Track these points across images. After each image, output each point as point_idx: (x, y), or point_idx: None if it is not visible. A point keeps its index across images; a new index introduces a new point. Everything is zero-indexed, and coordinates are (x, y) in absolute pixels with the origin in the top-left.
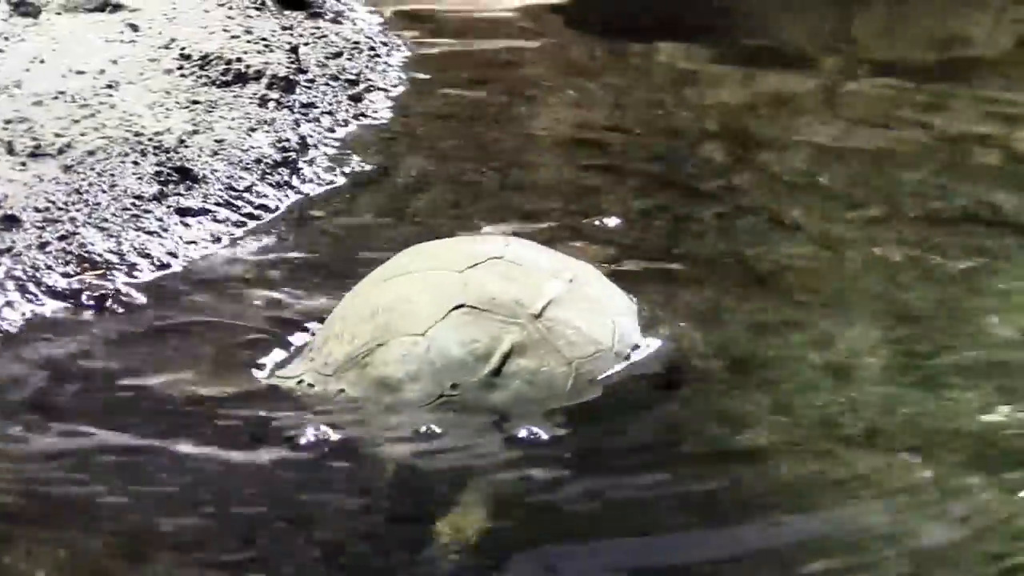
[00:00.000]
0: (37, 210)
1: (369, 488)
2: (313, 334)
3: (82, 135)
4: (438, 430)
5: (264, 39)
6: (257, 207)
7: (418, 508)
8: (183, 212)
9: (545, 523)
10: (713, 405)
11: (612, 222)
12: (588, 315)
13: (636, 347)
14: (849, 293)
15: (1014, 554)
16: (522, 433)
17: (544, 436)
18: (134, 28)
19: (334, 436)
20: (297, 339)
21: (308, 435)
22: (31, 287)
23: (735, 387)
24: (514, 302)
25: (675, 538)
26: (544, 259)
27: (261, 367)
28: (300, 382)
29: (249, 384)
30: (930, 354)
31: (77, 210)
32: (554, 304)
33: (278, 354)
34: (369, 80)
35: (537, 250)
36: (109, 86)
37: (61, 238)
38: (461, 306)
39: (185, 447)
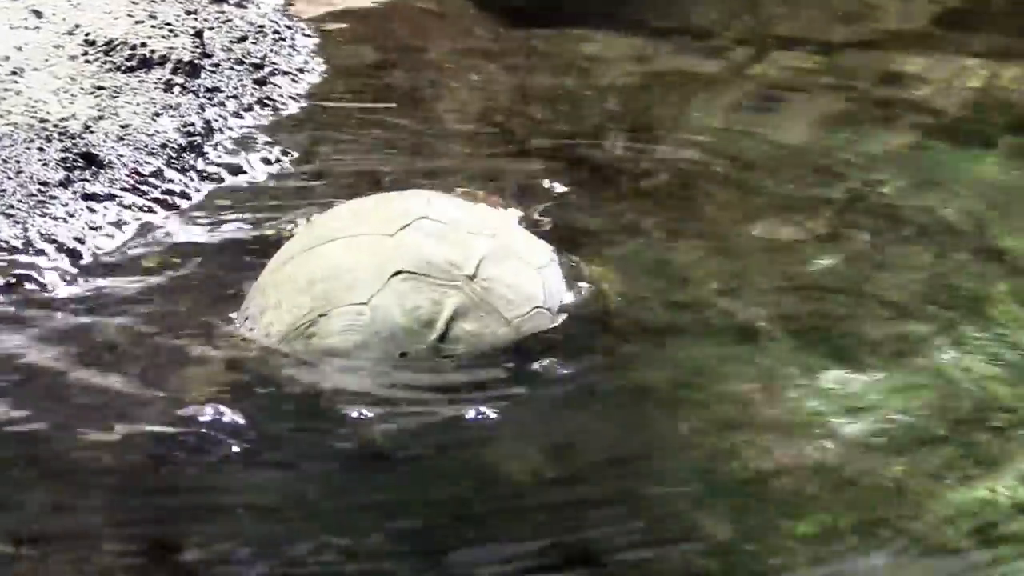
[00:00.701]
0: None
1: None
2: (241, 305)
3: None
4: (388, 394)
5: (168, 24)
6: (163, 192)
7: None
8: (89, 197)
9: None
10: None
11: (522, 200)
12: (518, 270)
13: (563, 298)
14: (752, 264)
15: None
16: (469, 394)
17: (490, 394)
18: (38, 15)
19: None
20: (211, 318)
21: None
22: None
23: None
24: (448, 263)
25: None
26: (466, 214)
27: (183, 344)
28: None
29: (167, 359)
30: (831, 326)
31: None
32: (485, 262)
33: (199, 328)
34: (274, 64)
35: (457, 205)
36: (14, 72)
37: None
38: (399, 272)
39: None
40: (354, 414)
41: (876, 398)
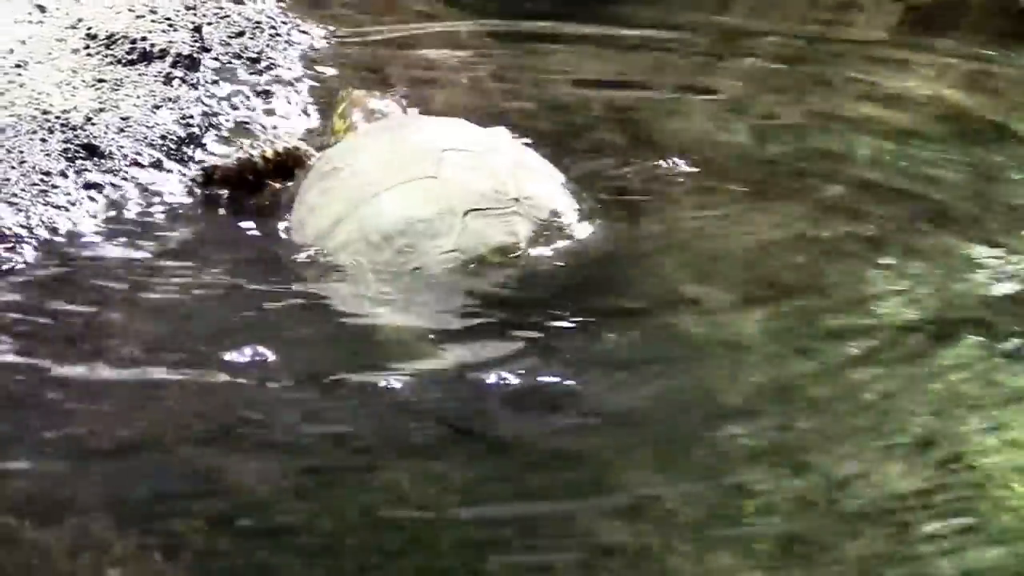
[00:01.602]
0: None
1: None
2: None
3: None
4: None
5: (168, 19)
6: (163, 182)
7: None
8: (90, 187)
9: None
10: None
11: None
12: (541, 182)
13: (572, 193)
14: (724, 263)
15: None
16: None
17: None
18: (42, 9)
19: None
20: (218, 310)
21: None
22: None
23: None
24: (494, 191)
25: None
26: (462, 134)
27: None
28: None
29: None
30: (799, 324)
31: None
32: (518, 182)
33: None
34: (271, 59)
35: (443, 125)
36: (18, 66)
37: None
38: (467, 213)
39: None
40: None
41: None
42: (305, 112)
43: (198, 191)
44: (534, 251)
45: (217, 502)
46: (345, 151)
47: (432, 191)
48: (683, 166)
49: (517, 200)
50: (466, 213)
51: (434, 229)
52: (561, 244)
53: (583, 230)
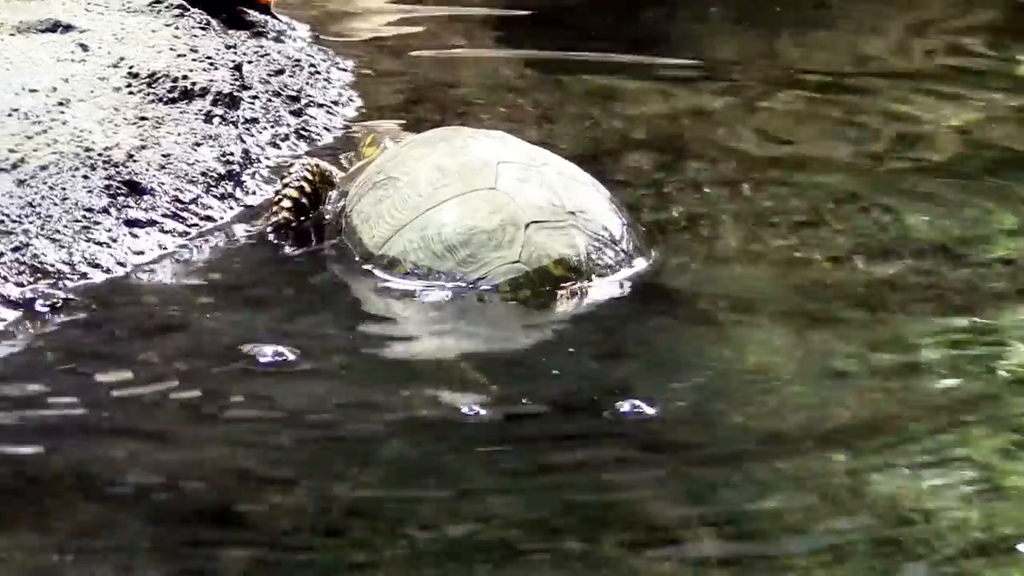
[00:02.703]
0: None
1: None
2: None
3: (35, 151)
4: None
5: (209, 57)
6: (203, 218)
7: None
8: (132, 223)
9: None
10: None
11: None
12: (590, 195)
13: (617, 208)
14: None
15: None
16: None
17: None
18: (84, 48)
19: None
20: (252, 348)
21: None
22: None
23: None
24: (551, 204)
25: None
26: (512, 148)
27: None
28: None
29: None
30: (847, 355)
31: (30, 222)
32: (569, 194)
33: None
34: (310, 96)
35: (494, 138)
36: (61, 103)
37: (15, 249)
38: (528, 224)
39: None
40: None
41: None
42: (344, 148)
43: (272, 238)
44: (593, 265)
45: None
46: (397, 161)
47: (493, 202)
48: (724, 192)
49: (573, 213)
50: (528, 225)
51: (497, 240)
52: (615, 258)
53: (633, 245)
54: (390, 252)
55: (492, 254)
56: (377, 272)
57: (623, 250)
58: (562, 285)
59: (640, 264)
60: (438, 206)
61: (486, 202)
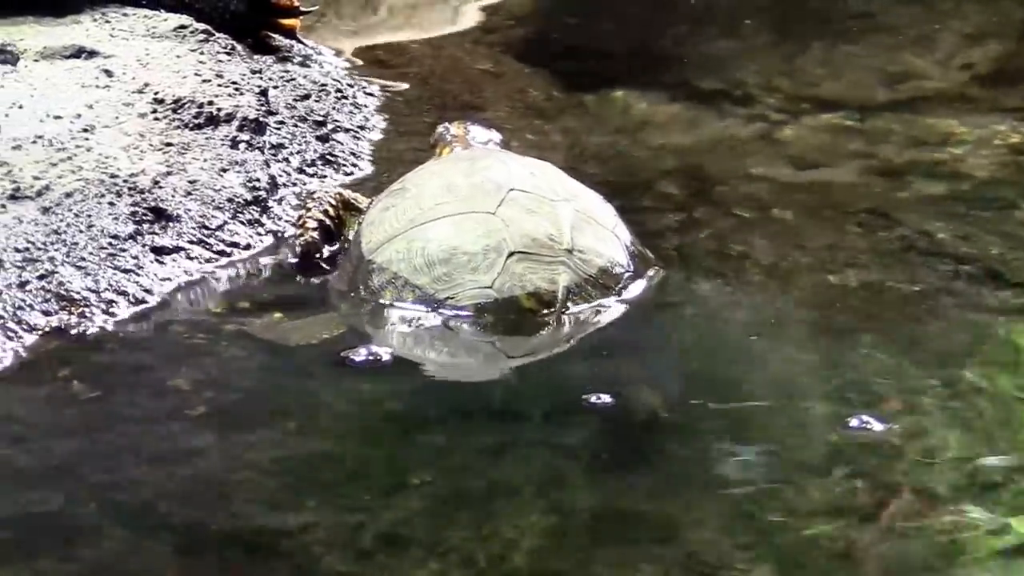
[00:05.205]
0: (17, 250)
1: None
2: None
3: (60, 178)
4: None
5: (235, 82)
6: (229, 244)
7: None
8: (158, 250)
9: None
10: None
11: None
12: (601, 236)
13: (632, 255)
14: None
15: None
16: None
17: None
18: (109, 74)
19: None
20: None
21: None
22: (12, 325)
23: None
24: (548, 238)
25: None
26: (540, 178)
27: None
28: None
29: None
30: (877, 377)
31: (56, 250)
32: (575, 233)
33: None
34: (336, 121)
35: (526, 166)
36: (85, 130)
37: (41, 277)
38: (512, 254)
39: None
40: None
41: None
42: (369, 172)
43: (296, 265)
44: (573, 305)
45: None
46: (420, 173)
47: (485, 226)
48: (749, 220)
49: (570, 251)
50: (511, 254)
51: (475, 264)
52: (604, 303)
53: (631, 291)
54: (378, 259)
55: (466, 276)
56: (361, 275)
57: (617, 294)
58: (536, 318)
59: (631, 308)
60: (432, 222)
61: (478, 225)
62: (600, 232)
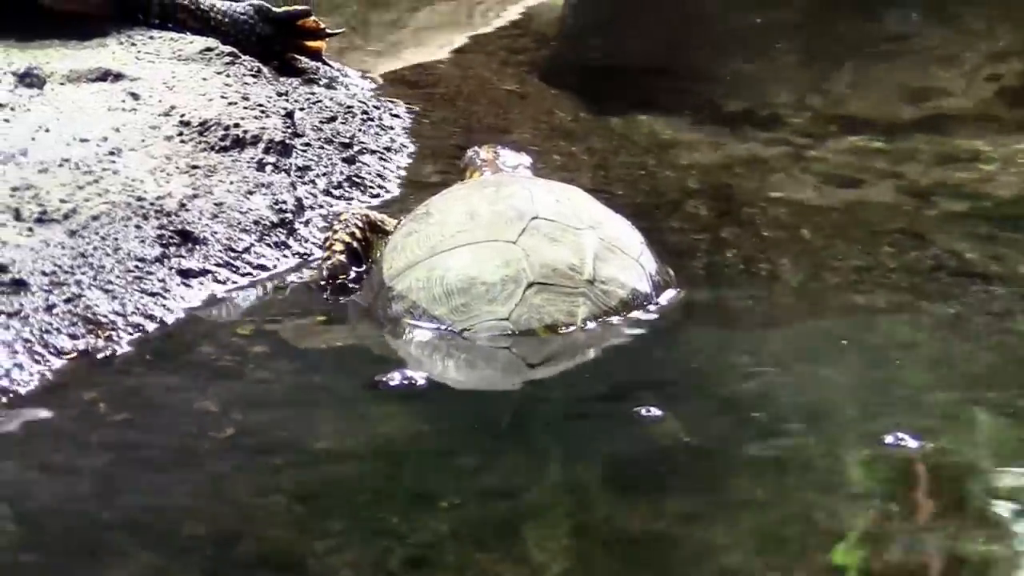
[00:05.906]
0: (44, 274)
1: None
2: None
3: (86, 201)
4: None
5: (261, 105)
6: (256, 267)
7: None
8: (184, 273)
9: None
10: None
11: None
12: (625, 266)
13: (657, 284)
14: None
15: None
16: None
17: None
18: (135, 97)
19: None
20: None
21: None
22: (39, 348)
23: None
24: (569, 268)
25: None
26: (564, 205)
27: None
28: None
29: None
30: (907, 400)
31: (83, 273)
32: (598, 263)
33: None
34: (362, 143)
35: (551, 192)
36: (112, 153)
37: (67, 300)
38: (531, 285)
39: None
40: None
41: None
42: (396, 194)
43: (324, 287)
44: (590, 335)
45: None
46: (445, 197)
47: (505, 256)
48: (776, 240)
49: (591, 282)
50: (530, 285)
51: (493, 294)
52: (624, 332)
53: (654, 322)
54: (398, 286)
55: (484, 307)
56: (382, 302)
57: (638, 325)
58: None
59: (652, 338)
60: (452, 250)
61: (498, 254)
62: (625, 261)
